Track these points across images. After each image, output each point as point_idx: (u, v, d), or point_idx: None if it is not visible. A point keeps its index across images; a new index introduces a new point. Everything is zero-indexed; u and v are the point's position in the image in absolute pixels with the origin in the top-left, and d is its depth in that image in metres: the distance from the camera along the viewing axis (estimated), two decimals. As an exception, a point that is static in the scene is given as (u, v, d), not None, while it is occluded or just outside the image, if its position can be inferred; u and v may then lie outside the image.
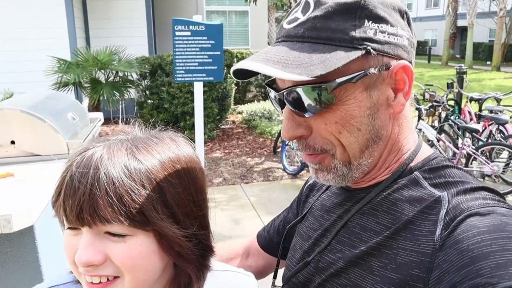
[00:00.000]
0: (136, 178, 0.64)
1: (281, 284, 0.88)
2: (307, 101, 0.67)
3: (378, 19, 0.66)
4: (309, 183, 1.01)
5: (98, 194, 0.61)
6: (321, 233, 0.82)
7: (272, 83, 0.76)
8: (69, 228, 0.65)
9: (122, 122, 8.54)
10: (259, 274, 1.08)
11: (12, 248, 1.63)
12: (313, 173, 0.77)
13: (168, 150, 0.71)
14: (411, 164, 0.75)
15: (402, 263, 0.64)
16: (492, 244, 0.56)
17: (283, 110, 0.73)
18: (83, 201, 0.61)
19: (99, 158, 0.64)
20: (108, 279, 0.65)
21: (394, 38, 0.68)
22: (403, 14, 0.71)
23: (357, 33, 0.65)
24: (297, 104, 0.68)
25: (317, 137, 0.71)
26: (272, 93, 0.74)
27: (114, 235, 0.63)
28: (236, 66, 0.68)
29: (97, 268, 0.63)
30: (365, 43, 0.65)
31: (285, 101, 0.70)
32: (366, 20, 0.66)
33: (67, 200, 0.63)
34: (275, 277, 0.98)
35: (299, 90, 0.67)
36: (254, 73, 0.72)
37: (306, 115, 0.69)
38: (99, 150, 0.65)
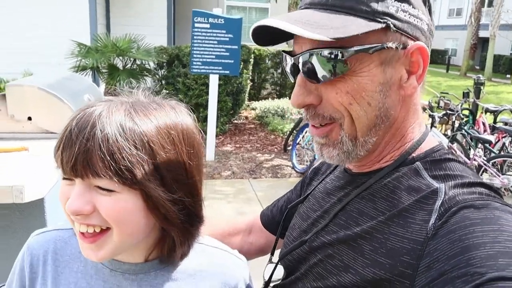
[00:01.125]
0: (130, 138, 0.67)
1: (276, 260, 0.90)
2: (321, 66, 0.68)
3: None
4: (314, 166, 1.03)
5: (92, 148, 0.65)
6: (320, 214, 0.84)
7: (289, 51, 0.76)
8: (64, 178, 0.70)
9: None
10: (260, 251, 1.11)
11: (23, 219, 1.68)
12: (318, 150, 0.78)
13: (165, 116, 0.73)
14: (414, 154, 0.76)
15: (393, 248, 0.65)
16: (483, 236, 0.56)
17: (296, 78, 0.74)
18: (78, 153, 0.66)
19: (97, 115, 0.68)
20: (96, 232, 0.70)
21: (414, 20, 0.70)
22: (425, 0, 0.72)
23: (379, 7, 0.67)
24: (311, 70, 0.69)
25: (327, 106, 0.72)
26: (287, 60, 0.75)
27: (102, 189, 0.67)
28: (258, 23, 0.69)
29: (86, 217, 0.68)
30: (386, 17, 0.67)
31: (299, 66, 0.71)
32: None
33: (64, 151, 0.67)
34: (272, 254, 1.00)
35: (315, 54, 0.68)
36: (273, 41, 0.75)
37: (320, 81, 0.70)
38: (99, 108, 0.69)
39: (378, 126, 0.73)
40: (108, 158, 0.65)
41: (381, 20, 0.67)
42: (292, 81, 0.76)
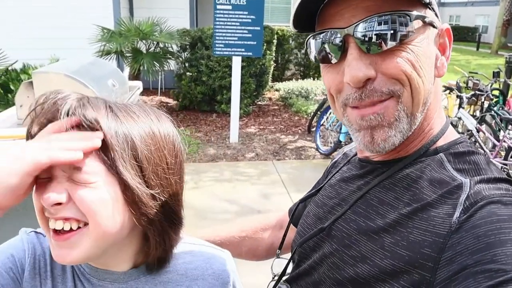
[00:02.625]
0: (111, 125, 0.67)
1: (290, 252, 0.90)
2: (385, 32, 0.66)
3: None
4: (334, 159, 1.02)
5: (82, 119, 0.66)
6: (337, 201, 0.83)
7: (327, 27, 0.72)
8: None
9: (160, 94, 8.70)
10: (290, 246, 1.12)
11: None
12: (367, 135, 0.72)
13: (147, 117, 0.74)
14: (437, 145, 0.74)
15: (414, 241, 0.64)
16: (510, 233, 0.55)
17: (340, 56, 0.71)
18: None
19: (77, 101, 0.68)
20: (73, 229, 0.66)
21: (435, 3, 0.72)
22: None
23: None
24: (372, 38, 0.67)
25: (384, 79, 0.68)
26: (329, 36, 0.71)
27: (81, 183, 0.65)
28: None
29: (60, 209, 0.64)
30: None
31: (354, 37, 0.68)
32: None
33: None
34: (280, 248, 1.00)
35: (378, 19, 0.66)
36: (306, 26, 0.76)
37: (382, 48, 0.67)
38: (74, 96, 0.69)
39: (427, 103, 0.72)
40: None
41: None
42: (329, 62, 0.73)
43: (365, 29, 0.67)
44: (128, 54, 6.97)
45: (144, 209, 0.70)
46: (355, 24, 0.67)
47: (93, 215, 0.65)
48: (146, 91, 8.43)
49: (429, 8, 0.71)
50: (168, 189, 0.74)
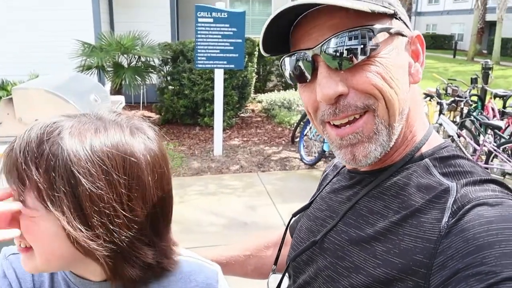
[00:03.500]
0: (44, 159, 0.65)
1: (284, 265, 0.89)
2: (352, 48, 0.67)
3: None
4: (325, 172, 1.02)
5: (16, 158, 0.66)
6: (328, 214, 0.83)
7: (297, 48, 0.73)
8: None
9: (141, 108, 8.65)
10: None
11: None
12: (348, 153, 0.73)
13: (110, 138, 0.68)
14: (422, 151, 0.75)
15: (406, 248, 0.64)
16: (498, 234, 0.55)
17: (311, 75, 0.72)
18: (7, 163, 0.67)
19: (44, 127, 0.68)
20: (27, 247, 0.70)
21: (404, 12, 0.74)
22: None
23: None
24: (339, 55, 0.68)
25: (358, 93, 0.69)
26: (300, 56, 0.72)
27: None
28: (292, 3, 0.68)
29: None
30: (392, 6, 0.71)
31: (322, 55, 0.69)
32: None
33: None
34: (275, 263, 0.99)
35: (345, 36, 0.67)
36: (274, 49, 0.76)
37: (351, 64, 0.68)
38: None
39: (404, 112, 0.73)
40: (24, 169, 0.64)
41: (390, 8, 0.70)
42: (305, 81, 0.74)
43: (331, 47, 0.68)
44: (109, 69, 6.93)
45: (86, 247, 0.65)
46: (321, 43, 0.69)
47: (33, 244, 0.68)
48: (129, 105, 8.37)
49: (396, 18, 0.72)
50: (127, 225, 0.69)
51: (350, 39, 0.67)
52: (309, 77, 0.72)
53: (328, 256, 0.76)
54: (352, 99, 0.69)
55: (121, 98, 3.57)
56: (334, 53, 0.68)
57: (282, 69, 0.78)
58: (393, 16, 0.71)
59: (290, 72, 0.75)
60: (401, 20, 0.73)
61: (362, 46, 0.67)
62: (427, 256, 0.61)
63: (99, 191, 0.65)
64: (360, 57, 0.67)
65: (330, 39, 0.68)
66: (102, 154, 0.66)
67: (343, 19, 0.68)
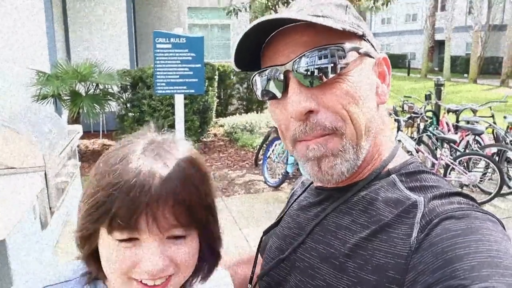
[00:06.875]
0: (190, 182, 0.68)
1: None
2: (322, 65, 0.68)
3: (358, 18, 0.76)
4: (293, 189, 1.02)
5: (159, 203, 0.63)
6: (296, 231, 0.83)
7: (269, 64, 0.74)
8: (122, 240, 0.64)
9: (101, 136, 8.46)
10: None
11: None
12: (314, 166, 0.74)
13: (187, 151, 0.75)
14: (388, 167, 0.76)
15: (378, 264, 0.64)
16: (466, 247, 0.56)
17: (283, 91, 0.72)
18: (145, 213, 0.62)
19: (148, 168, 0.65)
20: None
21: (371, 34, 0.76)
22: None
23: (354, 20, 0.73)
24: (310, 72, 0.69)
25: (328, 112, 0.70)
26: (272, 72, 0.73)
27: (176, 237, 0.67)
28: (264, 18, 0.68)
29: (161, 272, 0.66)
30: (360, 27, 0.73)
31: (294, 72, 0.70)
32: (352, 16, 0.74)
33: (123, 212, 0.62)
34: (250, 282, 0.98)
35: (315, 54, 0.68)
36: (248, 65, 0.77)
37: (320, 81, 0.69)
38: (142, 158, 0.67)
39: (371, 131, 0.74)
40: (179, 208, 0.65)
41: (359, 29, 0.72)
42: (276, 97, 0.75)
43: (302, 63, 0.69)
44: (66, 97, 6.75)
45: (216, 249, 0.79)
46: (293, 60, 0.69)
47: (187, 268, 0.70)
48: (87, 134, 8.16)
49: (364, 40, 0.74)
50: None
51: (320, 57, 0.68)
52: (280, 93, 0.73)
53: (298, 274, 0.75)
54: (322, 117, 0.70)
55: (78, 128, 3.47)
56: (306, 70, 0.69)
57: (253, 86, 0.78)
58: (362, 37, 0.73)
59: (262, 88, 0.75)
60: (369, 42, 0.75)
61: (332, 64, 0.68)
62: (399, 272, 0.61)
63: (209, 194, 0.75)
64: (331, 75, 0.68)
65: (302, 56, 0.69)
66: (196, 162, 0.75)
67: (314, 37, 0.69)
